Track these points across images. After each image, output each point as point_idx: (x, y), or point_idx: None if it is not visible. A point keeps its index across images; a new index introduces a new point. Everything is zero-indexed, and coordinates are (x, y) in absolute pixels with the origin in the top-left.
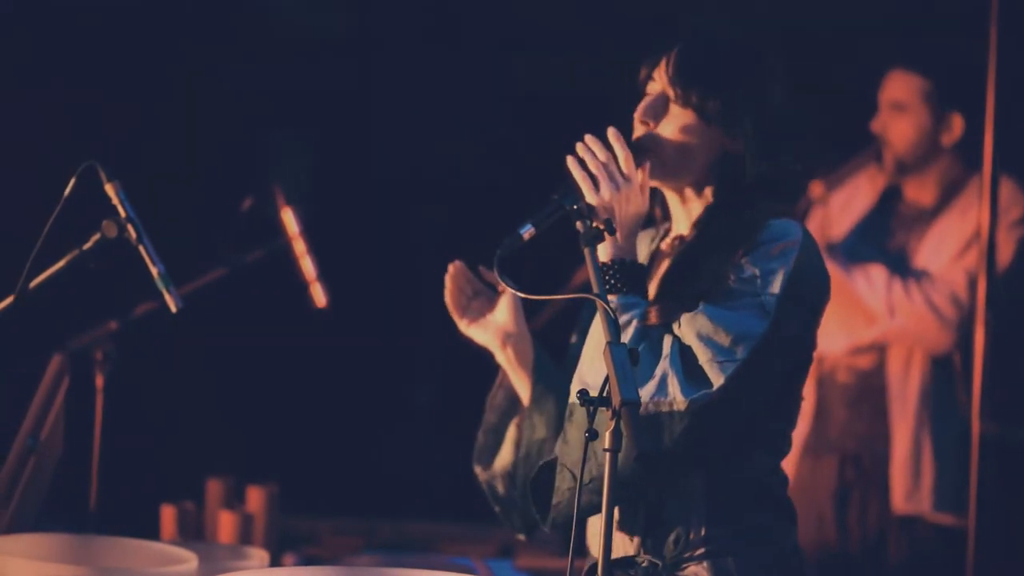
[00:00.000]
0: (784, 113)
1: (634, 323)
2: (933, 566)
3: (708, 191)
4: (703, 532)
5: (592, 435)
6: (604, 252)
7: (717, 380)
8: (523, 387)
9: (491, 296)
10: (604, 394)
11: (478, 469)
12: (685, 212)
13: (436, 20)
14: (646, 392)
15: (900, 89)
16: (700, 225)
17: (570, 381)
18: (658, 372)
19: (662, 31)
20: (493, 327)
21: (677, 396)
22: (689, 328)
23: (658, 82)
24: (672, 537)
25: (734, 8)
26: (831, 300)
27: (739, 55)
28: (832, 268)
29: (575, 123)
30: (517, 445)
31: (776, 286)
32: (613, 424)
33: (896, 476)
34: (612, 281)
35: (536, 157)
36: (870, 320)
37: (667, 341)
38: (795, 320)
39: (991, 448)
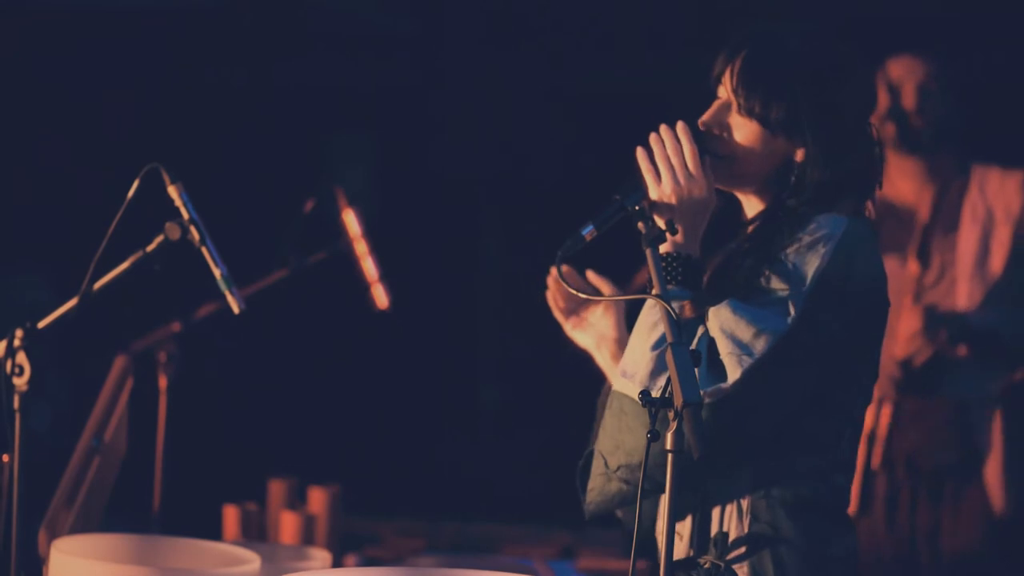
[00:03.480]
0: (852, 116)
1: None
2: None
3: (770, 197)
4: (745, 532)
5: (654, 436)
6: (665, 244)
7: (733, 374)
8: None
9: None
10: (666, 394)
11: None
12: (751, 211)
13: (498, 19)
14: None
15: (894, 72)
16: (751, 226)
17: None
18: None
19: (718, 30)
20: (594, 331)
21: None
22: (714, 320)
23: (725, 86)
24: (714, 538)
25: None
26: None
27: (805, 62)
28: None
29: (637, 123)
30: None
31: (807, 282)
32: (675, 425)
33: (989, 479)
34: (666, 274)
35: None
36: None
37: (698, 333)
38: (829, 317)
39: None
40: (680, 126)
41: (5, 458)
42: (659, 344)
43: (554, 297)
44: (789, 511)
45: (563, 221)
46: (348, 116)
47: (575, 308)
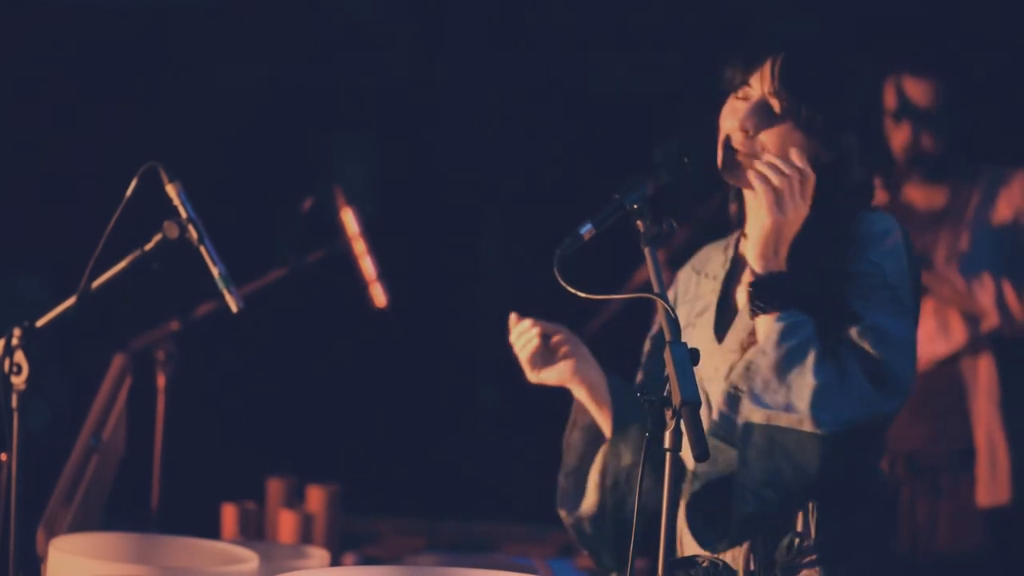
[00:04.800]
0: (879, 118)
1: (812, 351)
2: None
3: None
4: (813, 536)
5: (653, 435)
6: (755, 263)
7: (904, 384)
8: (603, 420)
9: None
10: (665, 394)
11: (563, 513)
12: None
13: (499, 19)
14: (847, 409)
15: (922, 94)
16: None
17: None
18: (853, 387)
19: (719, 30)
20: (561, 369)
21: (881, 407)
22: (861, 340)
23: (756, 89)
24: (786, 542)
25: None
26: (928, 301)
27: (844, 68)
28: (940, 268)
29: (637, 124)
30: (603, 479)
31: (904, 277)
32: (673, 424)
33: (980, 471)
34: (764, 300)
35: (598, 157)
36: (973, 318)
37: (842, 353)
38: (917, 306)
39: None
40: (794, 152)
41: (3, 457)
42: (798, 365)
43: (527, 343)
44: (852, 511)
45: (563, 220)
46: (348, 115)
47: (547, 357)
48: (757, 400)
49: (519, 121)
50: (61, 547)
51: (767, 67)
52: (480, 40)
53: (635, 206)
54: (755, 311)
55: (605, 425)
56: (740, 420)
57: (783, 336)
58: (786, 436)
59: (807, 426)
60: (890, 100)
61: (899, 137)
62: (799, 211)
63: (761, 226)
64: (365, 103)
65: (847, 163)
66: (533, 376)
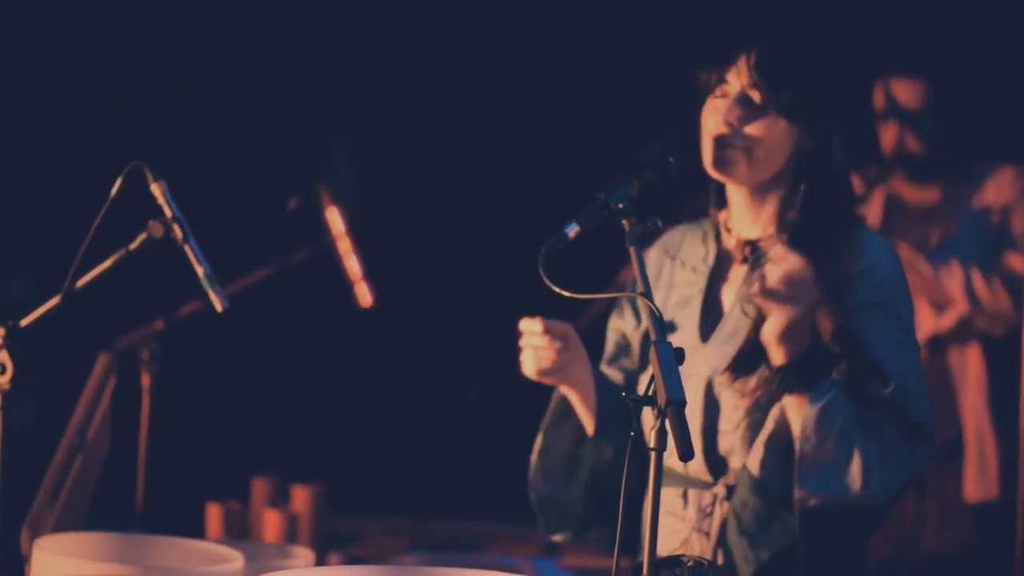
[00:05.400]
0: (859, 114)
1: (853, 429)
2: (977, 555)
3: (780, 189)
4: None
5: (638, 434)
6: (778, 356)
7: (930, 435)
8: (588, 421)
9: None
10: (650, 393)
11: (533, 490)
12: (753, 211)
13: (487, 19)
14: (891, 480)
15: (910, 95)
16: (794, 242)
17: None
18: (896, 453)
19: (708, 33)
20: (557, 370)
21: (921, 467)
22: (894, 403)
23: (734, 84)
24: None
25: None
26: None
27: (820, 55)
28: (906, 256)
29: (624, 123)
30: (579, 468)
31: (903, 304)
32: (658, 423)
33: (968, 466)
34: (793, 385)
35: (584, 156)
36: (941, 307)
37: (875, 416)
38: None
39: None
40: (791, 267)
41: None
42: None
43: (540, 348)
44: (817, 513)
45: (550, 220)
46: (337, 115)
47: (562, 364)
48: (810, 486)
49: (505, 121)
50: (45, 547)
51: (742, 62)
52: (469, 40)
53: (620, 205)
54: (783, 392)
55: (589, 426)
56: (796, 503)
57: (821, 421)
58: (843, 515)
59: (862, 503)
60: (879, 100)
61: (887, 137)
62: (812, 296)
63: (781, 320)
64: (353, 103)
65: (829, 149)
66: (535, 376)
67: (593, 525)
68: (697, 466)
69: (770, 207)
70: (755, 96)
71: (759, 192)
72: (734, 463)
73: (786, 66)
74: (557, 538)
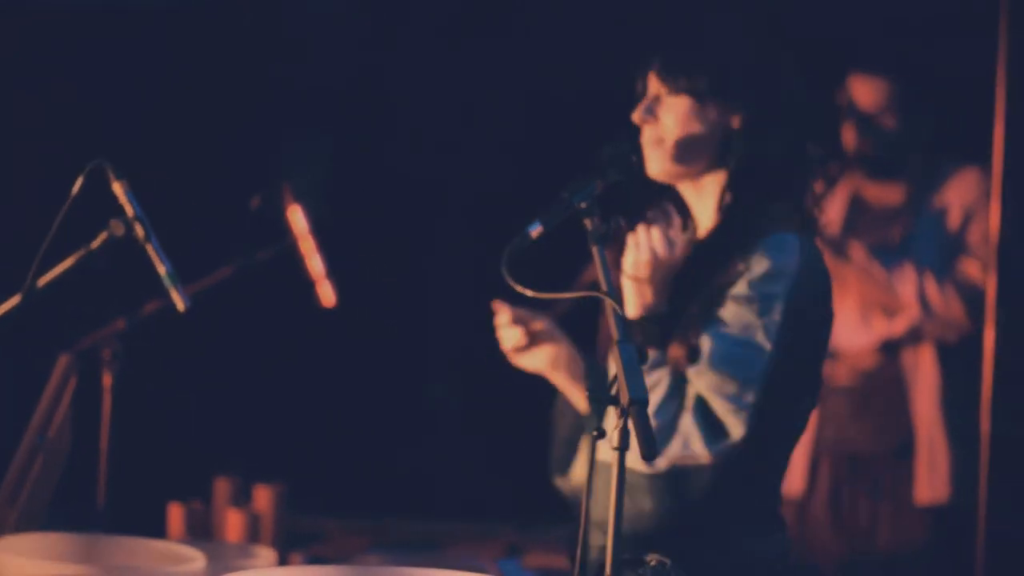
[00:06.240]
0: (787, 87)
1: (665, 382)
2: (930, 557)
3: (721, 176)
4: None
5: (600, 434)
6: (634, 307)
7: (737, 430)
8: (582, 402)
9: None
10: (613, 392)
11: (558, 479)
12: (702, 204)
13: (454, 19)
14: (673, 449)
15: (867, 94)
16: (713, 233)
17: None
18: (682, 427)
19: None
20: (539, 356)
21: (701, 451)
22: (700, 380)
23: (652, 88)
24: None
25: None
26: (852, 294)
27: (724, 31)
28: (860, 260)
29: (588, 123)
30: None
31: (777, 312)
32: (621, 423)
33: (918, 468)
34: (642, 337)
35: (548, 156)
36: (894, 311)
37: (690, 393)
38: (800, 343)
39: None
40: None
41: None
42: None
43: (511, 336)
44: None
45: (514, 219)
46: (302, 114)
47: (531, 341)
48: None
49: (471, 120)
50: (6, 547)
51: (653, 66)
52: (435, 39)
53: (583, 205)
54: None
55: (581, 404)
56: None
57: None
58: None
59: (640, 466)
60: (842, 100)
61: (847, 135)
62: (676, 250)
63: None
64: (318, 101)
65: (757, 125)
66: (514, 360)
67: None
68: None
69: (710, 199)
70: (663, 91)
71: (697, 185)
72: None
73: (686, 53)
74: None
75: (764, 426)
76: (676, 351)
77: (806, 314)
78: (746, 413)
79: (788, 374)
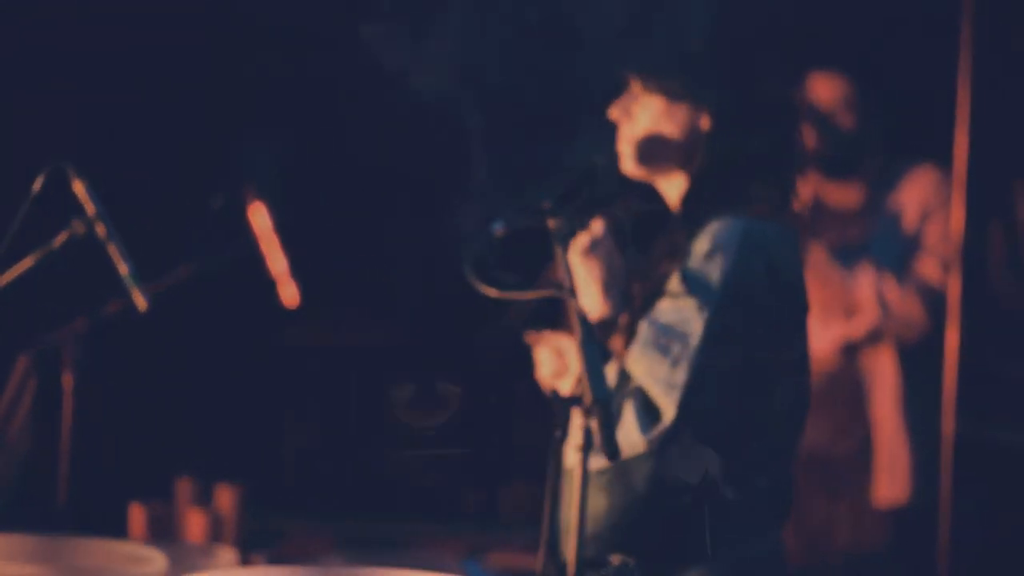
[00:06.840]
0: (758, 88)
1: (612, 376)
2: (888, 559)
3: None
4: None
5: (563, 434)
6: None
7: (669, 411)
8: None
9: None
10: (576, 393)
11: None
12: (675, 205)
13: (412, 11)
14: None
15: (825, 92)
16: (669, 230)
17: None
18: (625, 417)
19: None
20: (571, 380)
21: (637, 438)
22: (636, 367)
23: (631, 82)
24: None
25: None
26: (811, 295)
27: (688, 41)
28: (818, 261)
29: (553, 118)
30: None
31: (712, 293)
32: (584, 423)
33: (878, 469)
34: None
35: (511, 153)
36: (853, 313)
37: (632, 382)
38: (739, 324)
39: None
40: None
41: None
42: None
43: (553, 360)
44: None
45: (479, 216)
46: (262, 111)
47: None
48: None
49: (432, 115)
50: None
51: (630, 65)
52: (399, 32)
53: (547, 204)
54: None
55: None
56: None
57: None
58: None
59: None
60: (801, 98)
61: (806, 135)
62: (613, 259)
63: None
64: (278, 98)
65: (716, 126)
66: (549, 387)
67: None
68: None
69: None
70: (636, 87)
71: (671, 185)
72: None
73: (654, 58)
74: None
75: (702, 408)
76: (617, 343)
77: (753, 297)
78: (677, 392)
79: (732, 356)
